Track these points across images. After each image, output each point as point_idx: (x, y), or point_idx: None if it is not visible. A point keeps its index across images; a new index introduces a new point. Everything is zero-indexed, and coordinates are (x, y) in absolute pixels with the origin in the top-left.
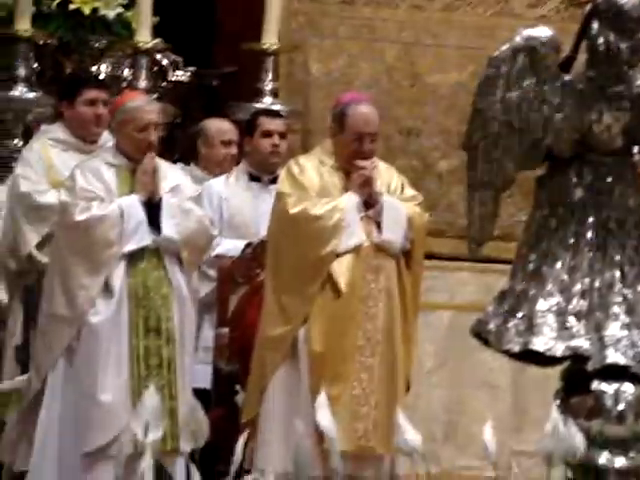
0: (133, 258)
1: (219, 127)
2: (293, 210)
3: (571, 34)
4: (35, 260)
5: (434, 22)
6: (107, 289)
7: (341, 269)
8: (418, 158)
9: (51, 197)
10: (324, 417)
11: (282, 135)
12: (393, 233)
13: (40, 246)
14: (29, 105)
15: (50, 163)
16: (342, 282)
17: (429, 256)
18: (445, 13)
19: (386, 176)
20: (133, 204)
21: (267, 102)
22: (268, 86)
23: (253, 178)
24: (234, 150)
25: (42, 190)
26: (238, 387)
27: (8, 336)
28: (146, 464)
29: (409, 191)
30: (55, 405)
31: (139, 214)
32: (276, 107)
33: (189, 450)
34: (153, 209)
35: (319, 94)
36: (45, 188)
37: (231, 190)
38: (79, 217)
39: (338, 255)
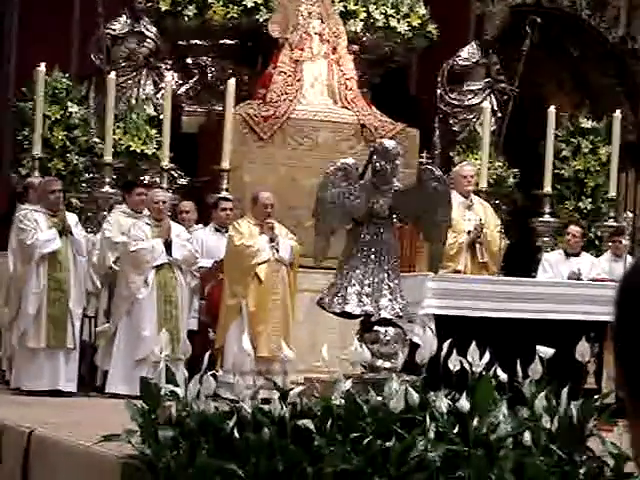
0: (159, 268)
1: (184, 204)
2: (237, 243)
3: (363, 161)
4: (112, 269)
5: (306, 157)
6: (146, 282)
7: (261, 270)
8: (294, 219)
9: (120, 239)
10: (246, 343)
11: (230, 209)
12: (284, 253)
13: (114, 262)
14: (111, 196)
15: (120, 222)
16: (262, 276)
17: (300, 266)
18: (310, 152)
19: (278, 228)
20: (158, 242)
21: (224, 194)
22: (224, 186)
23: (217, 230)
24: (192, 216)
25: (115, 235)
26: (210, 329)
27: (99, 305)
28: (162, 366)
29: (290, 235)
30: (122, 337)
31: (161, 247)
32: (228, 196)
33: (183, 359)
34: (168, 245)
35: (248, 191)
36: (117, 234)
37: (206, 236)
38: (132, 248)
39: (259, 264)
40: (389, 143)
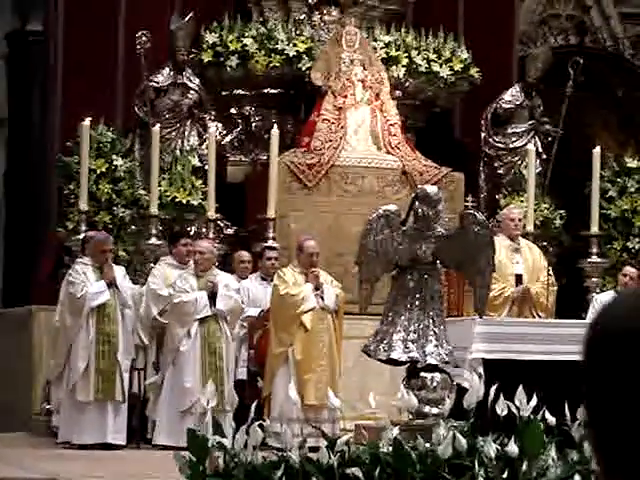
0: (202, 320)
1: (239, 254)
2: (282, 292)
3: (406, 206)
4: (157, 321)
5: (351, 204)
6: (189, 334)
7: (307, 318)
8: (341, 266)
9: (164, 291)
10: (293, 392)
11: (276, 259)
12: (330, 301)
13: (159, 314)
14: (157, 247)
15: (165, 274)
16: (308, 324)
17: (348, 313)
18: (355, 199)
19: (323, 276)
20: (203, 295)
21: (270, 243)
22: (270, 235)
23: (263, 279)
24: (248, 265)
25: (160, 288)
26: (259, 378)
27: (148, 358)
28: (209, 417)
29: (335, 283)
30: (167, 389)
31: (205, 300)
32: (273, 245)
33: (230, 410)
34: (214, 296)
35: (295, 239)
36: (162, 286)
37: (252, 285)
38: (175, 300)
39: (305, 312)
40: (431, 189)
